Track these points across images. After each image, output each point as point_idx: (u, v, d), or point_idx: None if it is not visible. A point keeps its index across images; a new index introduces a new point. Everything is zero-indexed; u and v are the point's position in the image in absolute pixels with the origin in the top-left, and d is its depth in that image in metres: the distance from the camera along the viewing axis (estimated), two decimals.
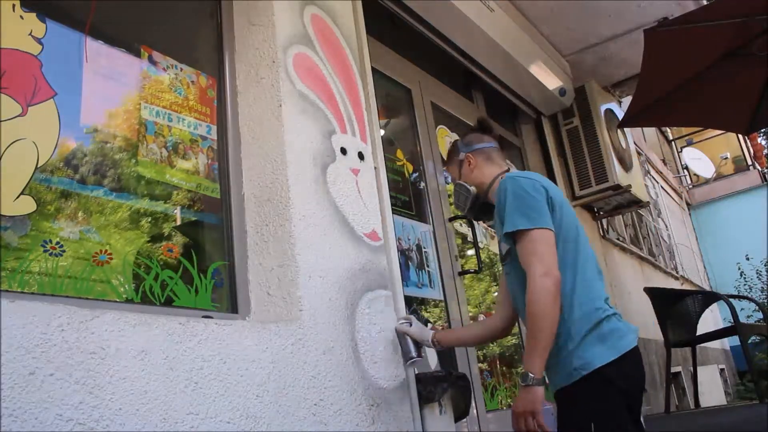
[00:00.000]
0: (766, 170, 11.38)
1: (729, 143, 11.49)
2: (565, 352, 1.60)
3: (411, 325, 2.07)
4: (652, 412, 4.36)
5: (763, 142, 12.40)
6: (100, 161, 1.67)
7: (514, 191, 1.67)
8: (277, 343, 1.64)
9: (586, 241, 1.74)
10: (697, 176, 11.41)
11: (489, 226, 3.79)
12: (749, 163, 11.73)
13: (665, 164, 10.01)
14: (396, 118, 3.42)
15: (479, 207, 1.95)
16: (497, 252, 3.76)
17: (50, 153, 1.53)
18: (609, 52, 4.72)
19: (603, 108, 4.89)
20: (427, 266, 3.01)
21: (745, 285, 9.44)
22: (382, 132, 3.00)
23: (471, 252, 3.42)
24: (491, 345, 3.42)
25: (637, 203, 5.18)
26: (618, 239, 5.72)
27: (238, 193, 1.97)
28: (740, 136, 10.56)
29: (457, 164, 1.98)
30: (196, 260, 1.82)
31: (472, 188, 1.92)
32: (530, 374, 1.53)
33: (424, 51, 3.56)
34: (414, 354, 2.02)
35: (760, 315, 6.71)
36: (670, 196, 9.81)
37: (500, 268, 3.76)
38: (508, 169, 1.93)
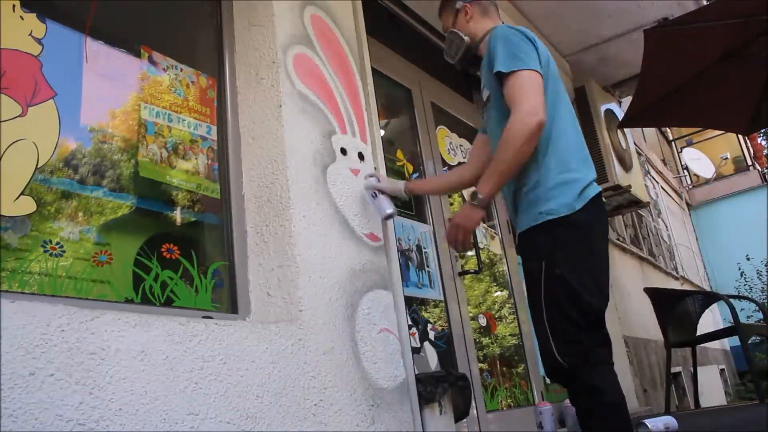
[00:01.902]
0: (766, 170, 11.38)
1: (729, 143, 11.49)
2: (534, 195, 1.65)
3: (379, 180, 2.13)
4: (652, 413, 4.36)
5: (763, 142, 12.40)
6: (100, 162, 1.67)
7: (504, 36, 1.69)
8: (278, 344, 1.64)
9: (567, 101, 1.78)
10: (697, 176, 11.41)
11: (490, 226, 3.79)
12: (749, 163, 11.73)
13: (665, 164, 10.01)
14: (396, 118, 3.42)
15: (469, 58, 1.97)
16: (497, 252, 3.77)
17: (50, 153, 1.53)
18: (609, 52, 4.72)
19: (603, 108, 4.89)
20: (427, 266, 3.01)
21: (745, 285, 9.44)
22: (382, 132, 3.01)
23: (471, 252, 3.42)
24: (491, 345, 3.42)
25: (637, 203, 5.18)
26: (618, 239, 5.72)
27: (238, 194, 1.97)
28: (740, 136, 10.55)
29: (452, 12, 1.98)
30: (196, 260, 1.82)
31: (466, 38, 1.93)
32: (480, 195, 1.63)
33: (424, 51, 3.55)
34: (390, 209, 2.06)
35: (760, 315, 6.70)
36: (670, 196, 9.81)
37: (500, 269, 3.77)
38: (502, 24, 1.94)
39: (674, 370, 5.56)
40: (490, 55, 1.71)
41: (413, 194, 2.15)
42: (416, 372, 2.16)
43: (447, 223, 1.76)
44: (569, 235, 1.61)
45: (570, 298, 1.58)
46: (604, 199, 4.81)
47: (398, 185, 2.16)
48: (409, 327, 2.61)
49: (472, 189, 1.66)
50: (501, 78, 1.65)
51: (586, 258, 1.63)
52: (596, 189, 1.71)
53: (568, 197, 1.63)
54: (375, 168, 2.33)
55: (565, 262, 1.60)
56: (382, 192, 2.12)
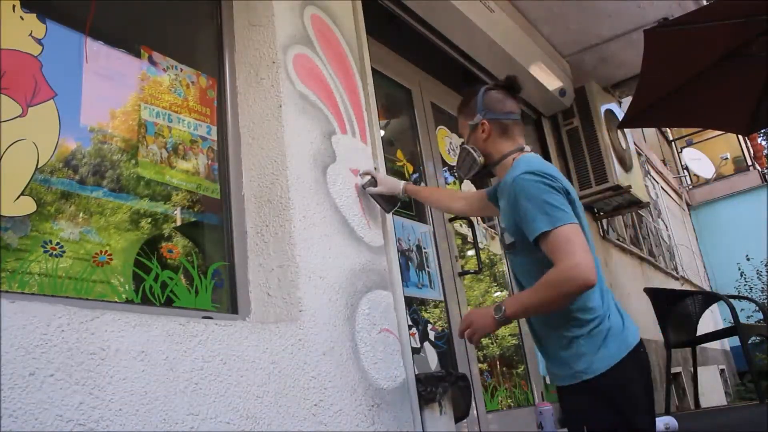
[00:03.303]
0: (766, 171, 11.37)
1: (729, 144, 11.48)
2: (571, 351, 1.59)
3: (375, 181, 2.17)
4: None
5: (763, 143, 12.39)
6: (100, 162, 1.67)
7: (531, 192, 1.56)
8: (278, 344, 1.64)
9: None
10: (697, 177, 11.40)
11: (490, 227, 3.79)
12: (749, 163, 11.73)
13: (665, 165, 10.01)
14: (396, 118, 3.42)
15: (483, 174, 1.86)
16: (497, 252, 3.77)
17: (50, 154, 1.53)
18: (609, 52, 4.72)
19: (603, 108, 4.89)
20: (427, 267, 3.01)
21: (745, 285, 9.43)
22: (382, 132, 3.01)
23: (471, 252, 3.42)
24: (491, 345, 3.42)
25: (637, 204, 5.18)
26: (618, 240, 5.71)
27: (238, 194, 1.97)
28: (740, 136, 10.55)
29: (469, 125, 1.84)
30: (196, 261, 1.82)
31: (480, 159, 1.80)
32: (506, 311, 1.56)
33: (424, 51, 3.55)
34: (391, 206, 2.21)
35: (760, 315, 6.70)
36: (670, 196, 9.81)
37: (500, 269, 3.78)
38: (523, 147, 1.79)
39: (674, 370, 5.56)
40: (518, 212, 1.59)
41: (407, 195, 2.19)
42: (416, 372, 2.16)
43: (462, 315, 1.73)
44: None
45: None
46: (604, 202, 4.85)
47: (397, 186, 2.20)
48: (409, 327, 2.61)
49: (497, 303, 1.59)
50: (537, 239, 1.54)
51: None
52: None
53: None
54: (375, 168, 2.33)
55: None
56: (381, 195, 2.20)
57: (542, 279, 1.51)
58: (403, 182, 2.19)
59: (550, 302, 1.52)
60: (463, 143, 1.88)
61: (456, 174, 2.00)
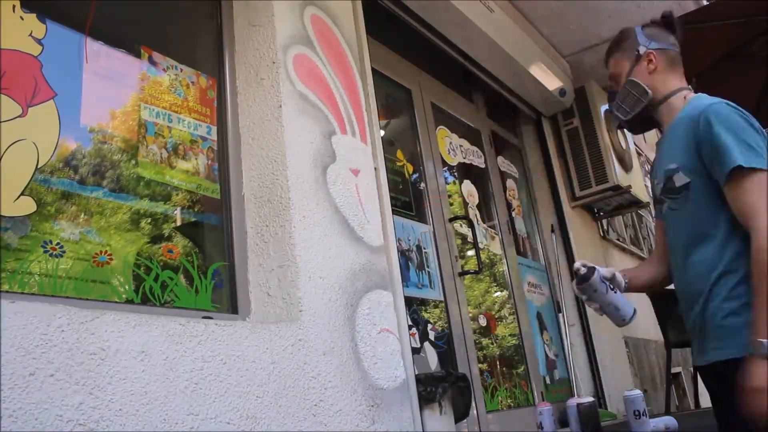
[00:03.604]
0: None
1: None
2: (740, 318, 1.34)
3: (606, 286, 1.65)
4: (653, 413, 4.36)
5: None
6: (100, 162, 1.67)
7: (730, 119, 1.36)
8: (278, 344, 1.64)
9: None
10: None
11: (490, 227, 3.78)
12: None
13: None
14: (396, 118, 3.42)
15: (644, 117, 1.62)
16: (497, 252, 3.77)
17: (50, 154, 1.53)
18: None
19: (603, 108, 4.88)
20: (427, 267, 3.01)
21: None
22: (382, 132, 3.01)
23: (471, 252, 3.42)
24: (491, 345, 3.42)
25: (638, 204, 5.18)
26: (618, 240, 5.71)
27: (238, 194, 1.97)
28: None
29: (631, 57, 1.62)
30: (196, 261, 1.82)
31: (650, 91, 1.57)
32: (763, 342, 1.25)
33: (424, 51, 3.55)
34: (630, 312, 1.71)
35: None
36: None
37: (500, 269, 3.77)
38: (691, 88, 1.59)
39: (674, 370, 5.56)
40: (709, 141, 1.38)
41: (630, 289, 1.77)
42: (416, 372, 2.16)
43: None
44: None
45: None
46: (604, 202, 4.83)
47: (622, 283, 1.76)
48: (409, 327, 2.61)
49: (754, 346, 1.28)
50: (731, 173, 1.33)
51: None
52: None
53: None
54: (375, 168, 2.33)
55: None
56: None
57: (752, 265, 1.29)
58: (624, 279, 1.76)
59: None
60: (628, 77, 1.62)
61: (614, 114, 1.64)
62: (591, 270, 1.62)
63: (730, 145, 1.34)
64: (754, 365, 1.27)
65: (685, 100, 1.55)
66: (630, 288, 1.75)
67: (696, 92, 1.60)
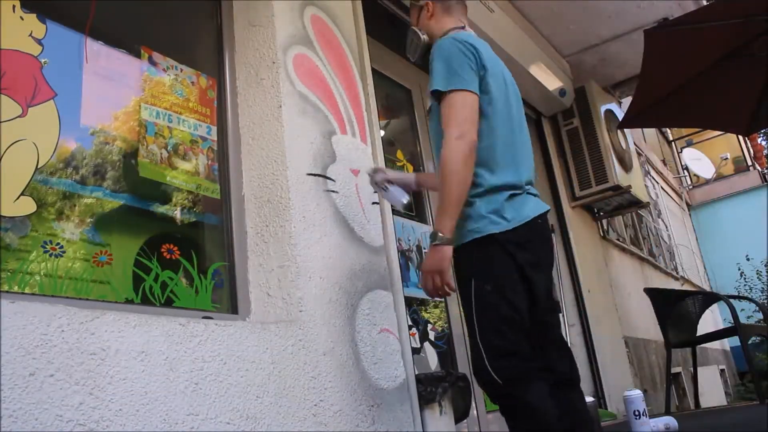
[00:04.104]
0: (766, 171, 11.37)
1: (729, 144, 11.48)
2: (463, 215, 1.58)
3: (386, 173, 2.07)
4: (653, 413, 4.36)
5: (763, 143, 12.38)
6: (100, 162, 1.67)
7: (446, 51, 1.65)
8: (277, 344, 1.64)
9: (513, 116, 1.71)
10: (697, 177, 11.39)
11: None
12: (749, 163, 11.72)
13: (665, 165, 10.01)
14: (396, 118, 3.42)
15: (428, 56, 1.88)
16: None
17: (50, 154, 1.53)
18: (609, 52, 4.72)
19: (603, 108, 4.89)
20: None
21: (745, 285, 9.42)
22: (382, 133, 3.01)
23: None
24: None
25: (637, 204, 5.18)
26: (618, 240, 5.71)
27: (238, 194, 1.97)
28: (740, 136, 10.55)
29: (416, 9, 1.93)
30: (196, 261, 1.82)
31: (425, 36, 1.88)
32: (440, 233, 1.52)
33: (425, 52, 3.55)
34: (406, 197, 2.05)
35: (760, 315, 6.70)
36: (670, 196, 9.81)
37: None
38: (464, 26, 1.87)
39: (674, 370, 5.56)
40: (431, 69, 1.67)
41: (421, 187, 2.12)
42: (416, 372, 2.16)
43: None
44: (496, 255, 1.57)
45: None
46: (604, 202, 4.84)
47: (409, 177, 2.14)
48: (409, 327, 2.61)
49: (431, 230, 1.58)
50: (438, 96, 1.62)
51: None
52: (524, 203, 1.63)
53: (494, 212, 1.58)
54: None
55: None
56: (392, 183, 2.06)
57: (440, 169, 1.56)
58: (413, 174, 2.13)
59: (456, 186, 1.53)
60: (411, 27, 1.94)
61: (408, 56, 1.99)
62: (374, 171, 2.10)
63: (436, 73, 1.64)
64: (432, 251, 1.55)
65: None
66: (421, 186, 2.12)
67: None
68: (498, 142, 1.64)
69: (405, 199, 2.05)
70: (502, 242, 1.55)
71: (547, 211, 1.69)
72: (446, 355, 2.91)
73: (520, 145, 1.71)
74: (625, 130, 5.15)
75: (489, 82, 1.64)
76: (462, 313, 1.64)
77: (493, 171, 1.61)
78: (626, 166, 4.92)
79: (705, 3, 4.31)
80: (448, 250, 1.54)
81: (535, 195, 1.70)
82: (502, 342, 1.51)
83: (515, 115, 1.73)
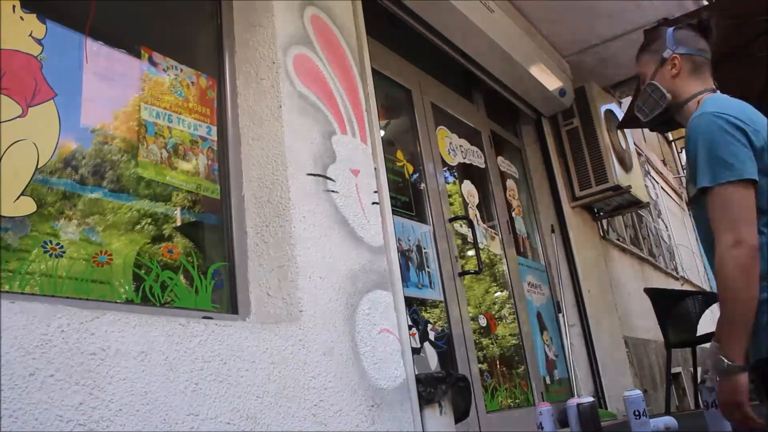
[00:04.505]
0: None
1: None
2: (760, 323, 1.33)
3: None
4: (653, 413, 4.36)
5: None
6: (100, 162, 1.67)
7: (709, 133, 1.38)
8: (277, 344, 1.64)
9: None
10: None
11: (490, 227, 3.78)
12: None
13: (665, 165, 10.00)
14: (396, 118, 3.42)
15: (663, 119, 1.65)
16: (497, 252, 3.77)
17: (50, 154, 1.53)
18: (609, 52, 4.72)
19: (603, 109, 4.88)
20: (427, 267, 3.01)
21: None
22: (382, 133, 3.01)
23: (471, 252, 3.42)
24: (491, 346, 3.42)
25: (637, 204, 5.18)
26: (618, 240, 5.71)
27: (238, 194, 1.97)
28: None
29: (657, 60, 1.64)
30: (197, 261, 1.82)
31: (668, 95, 1.60)
32: (726, 361, 1.29)
33: (424, 52, 3.55)
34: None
35: None
36: (671, 196, 9.80)
37: (500, 269, 3.77)
38: (714, 89, 1.61)
39: (674, 370, 5.56)
40: (692, 155, 1.42)
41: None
42: (416, 372, 2.16)
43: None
44: None
45: None
46: (604, 203, 4.84)
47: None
48: (409, 327, 2.61)
49: (714, 360, 1.34)
50: (702, 193, 1.39)
51: None
52: None
53: None
54: (375, 168, 2.33)
55: None
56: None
57: (718, 287, 1.33)
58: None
59: (738, 304, 1.29)
60: (649, 80, 1.66)
61: (637, 114, 1.72)
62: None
63: (699, 164, 1.39)
64: (722, 382, 1.32)
65: (698, 105, 1.54)
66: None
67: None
68: None
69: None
70: None
71: None
72: (446, 355, 2.91)
73: None
74: (625, 130, 5.15)
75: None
76: None
77: None
78: (626, 166, 4.92)
79: (705, 3, 4.31)
80: (743, 379, 1.29)
81: None
82: None
83: None
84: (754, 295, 1.30)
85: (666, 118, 1.66)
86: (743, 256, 1.29)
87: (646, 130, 8.99)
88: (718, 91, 1.60)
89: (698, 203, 1.47)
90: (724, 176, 1.34)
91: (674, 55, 1.62)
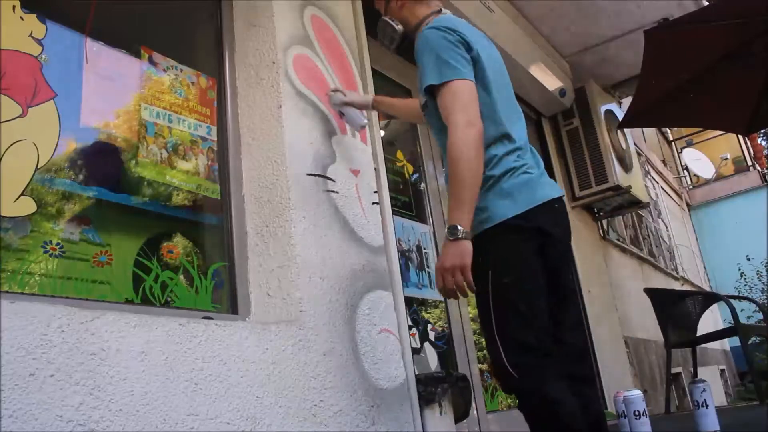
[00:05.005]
0: (766, 171, 11.37)
1: (729, 144, 11.47)
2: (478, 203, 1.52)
3: (345, 94, 2.11)
4: (653, 413, 4.36)
5: (763, 143, 12.39)
6: (100, 162, 1.67)
7: (432, 42, 1.58)
8: (277, 344, 1.64)
9: (496, 72, 1.65)
10: (698, 177, 11.39)
11: None
12: (749, 163, 11.71)
13: (665, 165, 10.00)
14: (396, 118, 3.42)
15: (406, 46, 1.84)
16: None
17: (50, 154, 1.53)
18: (609, 52, 4.72)
19: (603, 109, 4.88)
20: (427, 267, 3.01)
21: (745, 286, 9.42)
22: (383, 133, 3.01)
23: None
24: None
25: (637, 204, 5.18)
26: (618, 240, 5.71)
27: (238, 194, 1.97)
28: (740, 136, 10.54)
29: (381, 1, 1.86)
30: (196, 261, 1.82)
31: (399, 27, 1.81)
32: (459, 227, 1.44)
33: None
34: (364, 120, 2.12)
35: (760, 316, 6.70)
36: (671, 196, 9.81)
37: None
38: (440, 9, 1.81)
39: (674, 370, 5.56)
40: (419, 64, 1.62)
41: (379, 108, 2.14)
42: (416, 372, 2.16)
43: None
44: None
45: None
46: (604, 203, 4.84)
47: (367, 97, 2.18)
48: (410, 327, 2.61)
49: (448, 224, 1.49)
50: (433, 90, 1.57)
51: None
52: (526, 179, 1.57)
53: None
54: (375, 169, 2.33)
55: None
56: (350, 104, 2.13)
57: (448, 162, 1.50)
58: (371, 95, 2.11)
59: (470, 174, 1.46)
60: (381, 18, 1.87)
61: (384, 46, 1.94)
62: (333, 92, 2.16)
63: (427, 68, 1.57)
64: (448, 245, 1.47)
65: (427, 25, 1.71)
66: (379, 106, 2.16)
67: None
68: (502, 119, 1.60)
69: (363, 121, 2.11)
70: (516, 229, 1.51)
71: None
72: (446, 355, 2.91)
73: (516, 118, 1.68)
74: (625, 130, 5.15)
75: (483, 62, 1.60)
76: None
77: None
78: (626, 167, 4.92)
79: (705, 3, 4.31)
80: (468, 244, 1.46)
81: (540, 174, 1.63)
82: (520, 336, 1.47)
83: (507, 92, 1.70)
84: (480, 166, 1.49)
85: (409, 44, 1.83)
86: (474, 133, 1.48)
87: (647, 130, 9.00)
88: (445, 10, 1.79)
89: (428, 108, 1.65)
90: (450, 75, 1.54)
91: None
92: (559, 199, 1.63)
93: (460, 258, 1.45)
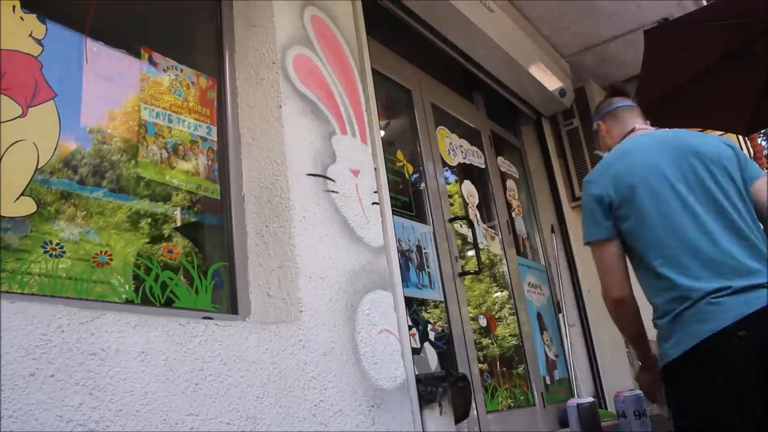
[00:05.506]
0: (766, 171, 11.36)
1: None
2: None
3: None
4: (653, 413, 4.35)
5: (763, 143, 12.38)
6: (100, 162, 1.67)
7: (584, 197, 1.72)
8: (278, 344, 1.64)
9: (658, 191, 1.57)
10: None
11: (490, 227, 3.79)
12: None
13: None
14: (396, 119, 3.42)
15: None
16: (497, 252, 3.77)
17: (50, 154, 1.53)
18: (609, 52, 4.72)
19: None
20: (427, 267, 3.00)
21: None
22: (383, 133, 3.00)
23: (471, 253, 3.42)
24: (491, 346, 3.42)
25: None
26: None
27: (238, 194, 1.97)
28: (740, 136, 10.53)
29: (596, 135, 1.97)
30: (197, 261, 1.82)
31: (605, 155, 1.83)
32: (637, 357, 1.75)
33: (424, 52, 3.55)
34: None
35: None
36: None
37: (500, 269, 3.78)
38: (633, 128, 1.81)
39: None
40: None
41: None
42: (416, 372, 2.16)
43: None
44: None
45: None
46: None
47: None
48: (410, 327, 2.61)
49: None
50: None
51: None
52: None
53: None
54: (375, 169, 2.33)
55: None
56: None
57: None
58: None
59: (621, 327, 1.77)
60: (596, 151, 2.04)
61: None
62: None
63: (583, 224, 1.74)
64: (639, 373, 1.84)
65: None
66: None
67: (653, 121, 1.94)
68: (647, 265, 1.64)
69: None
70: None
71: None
72: (446, 355, 2.91)
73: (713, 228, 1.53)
74: None
75: (638, 197, 1.59)
76: None
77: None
78: None
79: (705, 3, 4.31)
80: (646, 375, 1.78)
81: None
82: None
83: (702, 193, 1.58)
84: (628, 320, 1.74)
85: None
86: (609, 304, 1.73)
87: None
88: (639, 127, 1.82)
89: None
90: (588, 236, 1.69)
91: (598, 122, 1.96)
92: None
93: (644, 387, 1.85)
